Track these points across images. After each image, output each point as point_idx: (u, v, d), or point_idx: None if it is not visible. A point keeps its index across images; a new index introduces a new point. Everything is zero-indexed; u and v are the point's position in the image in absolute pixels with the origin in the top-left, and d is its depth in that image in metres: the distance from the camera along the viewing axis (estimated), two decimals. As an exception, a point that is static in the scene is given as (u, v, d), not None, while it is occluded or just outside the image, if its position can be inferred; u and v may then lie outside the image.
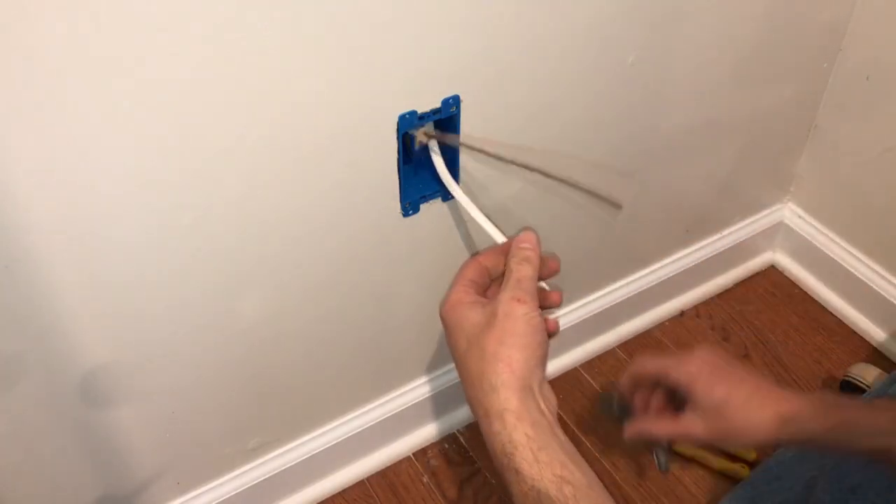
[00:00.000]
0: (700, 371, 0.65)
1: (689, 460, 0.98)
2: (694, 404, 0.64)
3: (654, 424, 0.68)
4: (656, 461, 0.81)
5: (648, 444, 0.74)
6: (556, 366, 1.06)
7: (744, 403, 0.62)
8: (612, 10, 0.73)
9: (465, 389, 0.56)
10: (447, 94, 0.68)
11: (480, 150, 0.63)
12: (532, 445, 0.51)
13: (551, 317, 0.59)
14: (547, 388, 0.55)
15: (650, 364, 0.69)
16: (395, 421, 0.94)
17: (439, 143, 0.69)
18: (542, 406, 0.53)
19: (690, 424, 0.65)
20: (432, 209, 0.77)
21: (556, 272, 0.62)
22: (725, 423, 0.63)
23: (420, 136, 0.69)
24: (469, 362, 0.55)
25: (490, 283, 0.62)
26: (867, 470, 0.70)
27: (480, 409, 0.54)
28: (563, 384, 1.06)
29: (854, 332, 1.12)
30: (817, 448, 0.67)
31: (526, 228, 0.61)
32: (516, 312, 0.54)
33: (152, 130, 0.56)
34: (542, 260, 0.60)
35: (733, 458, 0.98)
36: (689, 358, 0.66)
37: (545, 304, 0.60)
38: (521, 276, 0.57)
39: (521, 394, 0.52)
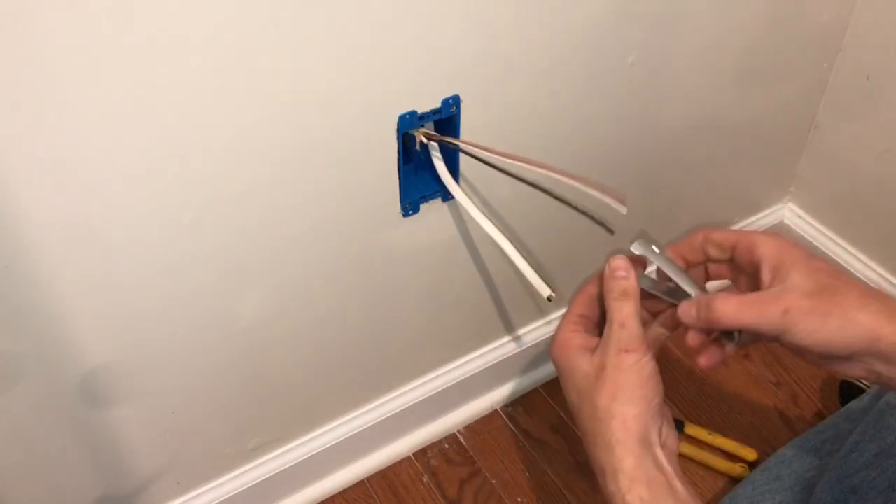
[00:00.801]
0: (782, 242, 0.53)
1: (689, 460, 0.98)
2: (785, 279, 0.51)
3: (720, 298, 0.52)
4: (733, 338, 0.58)
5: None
6: (556, 366, 1.06)
7: (853, 284, 0.51)
8: (612, 10, 0.73)
9: (582, 438, 0.55)
10: (447, 94, 0.68)
11: (476, 157, 0.63)
12: None
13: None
14: (667, 434, 0.53)
15: (720, 234, 0.56)
16: (395, 421, 0.94)
17: (439, 143, 0.69)
18: (662, 459, 0.51)
19: (782, 294, 0.50)
20: (432, 209, 0.77)
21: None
22: (835, 291, 0.50)
23: (420, 136, 0.69)
24: (582, 418, 0.54)
25: (601, 313, 0.58)
26: (867, 470, 0.70)
27: (597, 466, 0.53)
28: (563, 384, 1.06)
29: (854, 332, 1.12)
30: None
31: (614, 255, 0.57)
32: (626, 363, 0.53)
33: (152, 130, 0.56)
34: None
35: (733, 458, 0.98)
36: (760, 234, 0.55)
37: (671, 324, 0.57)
38: (624, 319, 0.54)
39: (638, 450, 0.51)
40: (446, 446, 1.00)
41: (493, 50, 0.68)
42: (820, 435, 0.82)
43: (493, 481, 0.97)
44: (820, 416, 1.02)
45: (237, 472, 0.87)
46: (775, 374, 1.08)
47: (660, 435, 0.53)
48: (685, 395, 1.05)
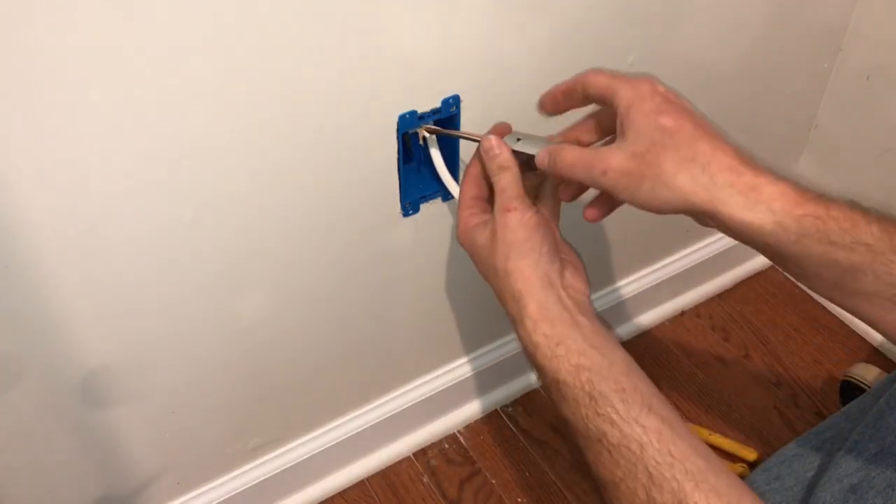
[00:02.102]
0: (652, 92, 0.53)
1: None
2: (625, 134, 0.52)
3: (566, 149, 0.55)
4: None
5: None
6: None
7: (691, 141, 0.50)
8: (612, 10, 0.73)
9: (502, 306, 0.58)
10: (447, 94, 0.68)
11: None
12: (549, 343, 0.53)
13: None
14: (572, 276, 0.56)
15: (597, 78, 0.56)
16: (395, 421, 0.94)
17: (441, 136, 0.69)
18: (565, 298, 0.54)
19: (608, 152, 0.52)
20: (432, 209, 0.77)
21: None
22: (655, 157, 0.51)
23: (422, 132, 0.69)
24: (490, 281, 0.58)
25: (490, 189, 0.60)
26: (867, 469, 0.70)
27: (511, 321, 0.56)
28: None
29: (854, 332, 1.12)
30: (766, 251, 0.52)
31: (487, 135, 0.60)
32: (510, 222, 0.56)
33: (152, 130, 0.56)
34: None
35: (733, 458, 0.98)
36: (640, 79, 0.54)
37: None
38: (504, 185, 0.57)
39: (539, 294, 0.54)
40: (446, 446, 1.00)
41: (493, 50, 0.68)
42: (820, 435, 0.81)
43: (493, 481, 0.97)
44: (820, 416, 1.02)
45: (237, 472, 0.87)
46: (775, 374, 1.08)
47: (561, 277, 0.55)
48: (685, 395, 1.05)
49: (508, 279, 0.55)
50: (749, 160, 0.51)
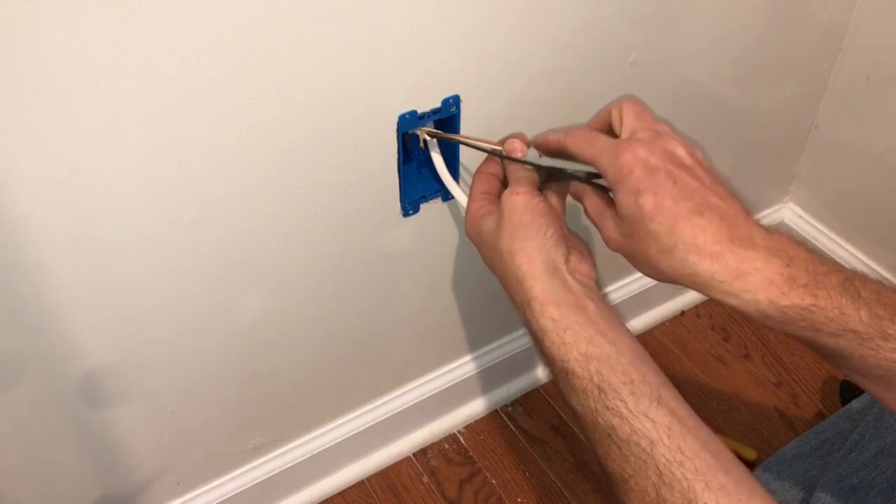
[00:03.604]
0: (631, 165, 0.51)
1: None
2: (617, 211, 0.53)
3: (589, 195, 0.57)
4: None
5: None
6: (556, 366, 1.06)
7: (670, 228, 0.50)
8: (612, 10, 0.73)
9: (506, 293, 0.58)
10: (447, 94, 0.68)
11: (483, 149, 0.63)
12: (557, 328, 0.52)
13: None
14: (578, 260, 0.56)
15: (580, 148, 0.56)
16: (395, 421, 0.94)
17: (442, 140, 0.69)
18: (570, 282, 0.54)
19: (610, 222, 0.55)
20: (432, 209, 0.77)
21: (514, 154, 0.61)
22: (639, 244, 0.52)
23: (423, 134, 0.69)
24: (495, 267, 0.58)
25: (502, 189, 0.61)
26: (867, 469, 0.70)
27: (516, 304, 0.56)
28: (563, 384, 1.06)
29: (854, 332, 1.12)
30: (755, 318, 0.51)
31: (511, 136, 0.61)
32: (517, 205, 0.56)
33: (151, 130, 0.56)
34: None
35: (733, 458, 0.98)
36: (621, 145, 0.53)
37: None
38: (518, 175, 0.58)
39: (545, 277, 0.53)
40: (446, 446, 1.00)
41: (492, 50, 0.68)
42: (820, 435, 0.82)
43: (493, 481, 0.97)
44: (820, 416, 1.02)
45: (237, 472, 0.87)
46: (775, 374, 1.08)
47: (567, 262, 0.55)
48: (685, 395, 1.04)
49: (513, 260, 0.55)
50: (734, 230, 0.50)
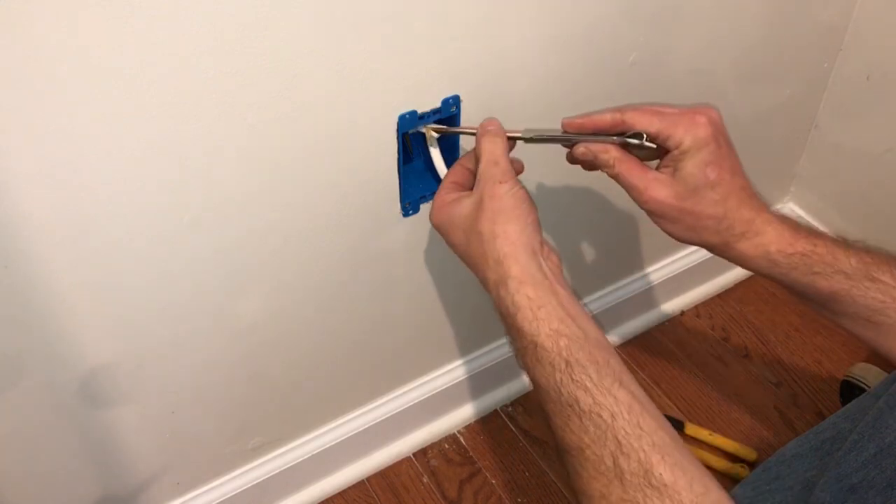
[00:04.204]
0: (707, 139, 0.59)
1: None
2: (674, 170, 0.60)
3: (622, 159, 0.61)
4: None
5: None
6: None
7: (725, 197, 0.60)
8: (612, 10, 0.73)
9: (476, 274, 0.60)
10: (447, 94, 0.68)
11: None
12: (532, 305, 0.54)
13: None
14: (548, 249, 0.59)
15: (644, 121, 0.61)
16: (395, 421, 0.94)
17: (446, 135, 0.69)
18: (545, 266, 0.57)
19: (657, 182, 0.60)
20: (432, 209, 0.77)
21: (519, 172, 0.63)
22: (694, 206, 0.60)
23: (429, 131, 0.69)
24: (471, 249, 0.59)
25: (474, 182, 0.63)
26: (867, 469, 0.70)
27: (489, 283, 0.58)
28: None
29: (854, 332, 1.12)
30: (760, 272, 0.63)
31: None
32: (500, 192, 0.58)
33: (152, 130, 0.56)
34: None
35: (733, 458, 0.98)
36: (698, 119, 0.60)
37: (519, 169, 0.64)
38: (496, 157, 0.60)
39: (524, 258, 0.56)
40: (446, 446, 1.00)
41: (493, 50, 0.68)
42: (820, 435, 0.81)
43: (493, 481, 0.97)
44: (820, 416, 1.02)
45: (237, 472, 0.87)
46: (775, 374, 1.08)
47: (542, 249, 0.58)
48: (685, 395, 1.05)
49: (494, 242, 0.57)
50: (759, 202, 0.62)
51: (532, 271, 0.56)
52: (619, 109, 0.61)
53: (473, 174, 0.63)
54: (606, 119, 0.61)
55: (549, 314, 0.54)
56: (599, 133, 0.62)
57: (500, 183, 0.58)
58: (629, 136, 0.60)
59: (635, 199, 0.61)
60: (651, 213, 0.62)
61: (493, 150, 0.60)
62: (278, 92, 0.60)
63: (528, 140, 0.62)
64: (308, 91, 0.61)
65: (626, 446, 0.49)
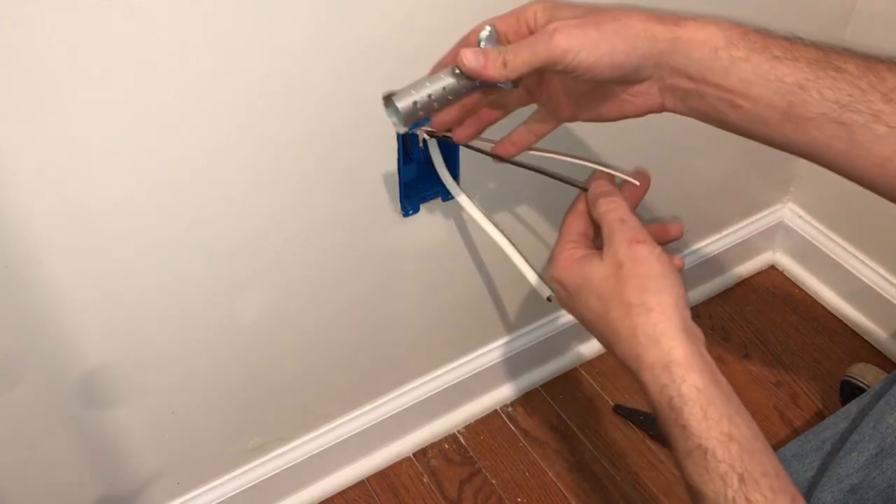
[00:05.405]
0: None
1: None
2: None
3: (513, 49, 0.49)
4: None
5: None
6: (555, 366, 1.06)
7: (610, 10, 0.49)
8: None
9: (611, 348, 0.52)
10: (447, 94, 0.68)
11: (481, 151, 0.63)
12: (702, 400, 0.47)
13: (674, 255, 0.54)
14: (695, 326, 0.51)
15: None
16: (395, 421, 0.94)
17: (441, 138, 0.69)
18: (703, 349, 0.50)
19: (555, 23, 0.49)
20: (432, 209, 0.77)
21: (676, 237, 0.57)
22: (600, 18, 0.49)
23: (422, 133, 0.68)
24: (612, 320, 0.51)
25: (596, 229, 0.57)
26: (867, 469, 0.70)
27: (640, 363, 0.49)
28: (564, 384, 1.06)
29: (854, 332, 1.12)
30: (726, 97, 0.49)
31: (594, 176, 0.57)
32: (642, 254, 0.51)
33: (153, 130, 0.56)
34: (660, 226, 0.56)
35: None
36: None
37: (663, 238, 0.57)
38: (623, 216, 0.53)
39: (684, 339, 0.49)
40: (446, 446, 1.00)
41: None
42: (820, 435, 0.81)
43: (493, 481, 0.97)
44: (820, 416, 1.02)
45: (237, 472, 0.87)
46: (775, 374, 1.08)
47: (693, 327, 0.51)
48: (685, 395, 1.05)
49: (649, 316, 0.49)
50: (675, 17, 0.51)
51: (696, 355, 0.48)
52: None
53: (593, 223, 0.57)
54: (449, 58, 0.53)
55: (718, 412, 0.47)
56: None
57: (638, 243, 0.51)
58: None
59: (555, 60, 0.48)
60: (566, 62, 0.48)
61: (614, 207, 0.54)
62: (278, 92, 0.60)
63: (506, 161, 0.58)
64: (307, 91, 0.61)
65: None
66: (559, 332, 1.02)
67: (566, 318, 1.02)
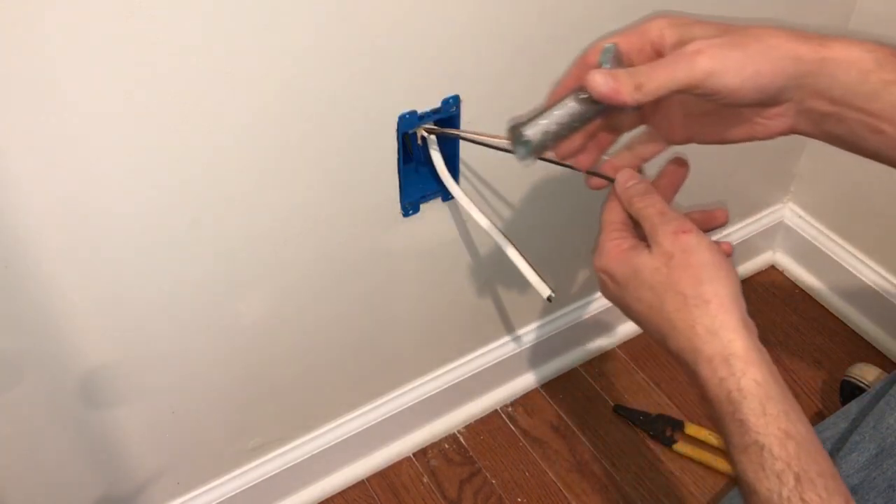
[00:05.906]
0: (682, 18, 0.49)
1: (689, 460, 0.98)
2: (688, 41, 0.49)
3: (647, 69, 0.48)
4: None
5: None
6: (555, 366, 1.06)
7: (751, 27, 0.49)
8: (611, 10, 0.73)
9: (663, 340, 0.50)
10: (447, 94, 0.68)
11: (482, 143, 0.63)
12: (761, 394, 0.46)
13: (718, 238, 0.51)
14: (749, 319, 0.50)
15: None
16: (395, 421, 0.94)
17: (440, 136, 0.69)
18: (759, 343, 0.48)
19: (696, 44, 0.48)
20: (432, 209, 0.77)
21: (723, 223, 0.56)
22: (743, 38, 0.48)
23: (421, 131, 0.69)
24: (667, 312, 0.49)
25: (632, 224, 0.55)
26: (867, 470, 0.70)
27: (697, 355, 0.48)
28: (564, 384, 1.06)
29: (854, 332, 1.12)
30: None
31: (620, 174, 0.55)
32: (691, 243, 0.49)
33: (153, 130, 0.56)
34: (706, 212, 0.55)
35: (733, 458, 0.98)
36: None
37: (708, 226, 0.55)
38: (661, 209, 0.52)
39: (744, 332, 0.47)
40: (446, 446, 1.00)
41: (493, 50, 0.68)
42: (820, 435, 0.81)
43: (493, 481, 0.97)
44: (820, 416, 1.02)
45: (237, 472, 0.87)
46: (775, 374, 1.08)
47: (749, 319, 0.50)
48: (685, 395, 1.05)
49: (707, 308, 0.48)
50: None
51: (755, 348, 0.47)
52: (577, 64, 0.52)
53: (629, 217, 0.55)
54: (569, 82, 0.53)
55: (776, 408, 0.46)
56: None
57: (684, 233, 0.50)
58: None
59: (696, 83, 0.47)
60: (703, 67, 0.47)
61: (650, 202, 0.53)
62: (278, 92, 0.60)
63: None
64: (307, 91, 0.61)
65: None
66: (559, 333, 1.02)
67: (566, 318, 1.02)
